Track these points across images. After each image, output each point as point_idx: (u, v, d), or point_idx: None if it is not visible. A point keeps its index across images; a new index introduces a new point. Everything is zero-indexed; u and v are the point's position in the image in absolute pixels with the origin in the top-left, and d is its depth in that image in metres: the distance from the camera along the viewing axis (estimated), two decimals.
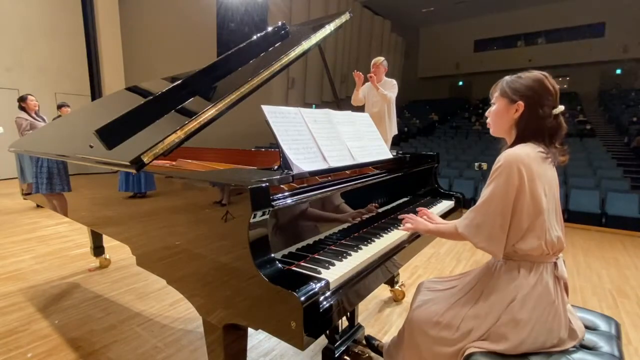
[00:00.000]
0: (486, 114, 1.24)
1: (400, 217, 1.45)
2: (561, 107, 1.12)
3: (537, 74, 1.13)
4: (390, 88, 3.85)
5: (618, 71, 17.46)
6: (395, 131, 4.09)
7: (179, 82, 1.50)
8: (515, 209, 1.05)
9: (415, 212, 1.49)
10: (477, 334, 1.08)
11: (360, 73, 3.82)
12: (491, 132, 1.24)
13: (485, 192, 1.10)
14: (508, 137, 1.20)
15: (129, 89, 2.57)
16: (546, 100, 1.10)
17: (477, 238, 1.11)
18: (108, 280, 2.72)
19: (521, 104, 1.12)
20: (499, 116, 1.18)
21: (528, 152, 1.07)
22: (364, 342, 1.72)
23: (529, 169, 1.04)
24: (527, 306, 1.05)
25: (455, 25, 20.37)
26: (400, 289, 2.40)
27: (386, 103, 3.86)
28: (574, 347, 1.08)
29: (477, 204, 1.12)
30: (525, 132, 1.13)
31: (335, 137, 1.47)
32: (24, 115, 4.84)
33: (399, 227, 1.41)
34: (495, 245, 1.08)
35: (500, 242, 1.07)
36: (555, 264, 1.12)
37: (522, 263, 1.11)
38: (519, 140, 1.14)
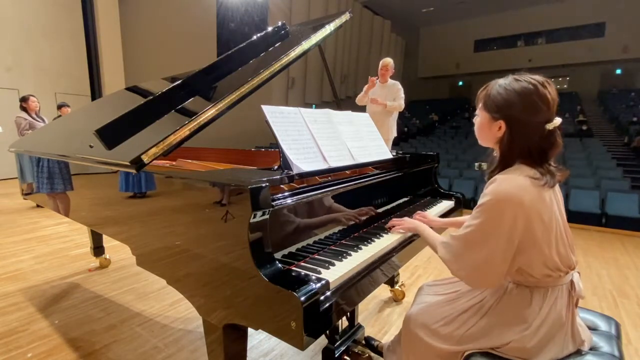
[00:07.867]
0: (473, 120, 1.12)
1: (387, 227, 1.39)
2: (557, 121, 0.94)
3: (525, 84, 0.95)
4: (396, 93, 3.90)
5: (618, 71, 17.46)
6: (395, 133, 4.13)
7: (179, 82, 1.50)
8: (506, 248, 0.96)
9: (412, 215, 1.50)
10: (480, 346, 1.07)
11: (375, 79, 3.90)
12: (479, 142, 1.12)
13: (472, 224, 0.98)
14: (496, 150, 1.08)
15: (129, 89, 2.57)
16: (534, 116, 0.94)
17: (456, 266, 1.03)
18: (108, 280, 2.72)
19: (502, 123, 0.98)
20: (483, 131, 1.07)
21: (520, 184, 0.93)
22: (363, 342, 1.72)
23: (522, 207, 0.91)
24: (539, 334, 0.99)
25: (455, 25, 20.38)
26: (400, 289, 2.40)
27: (398, 111, 3.98)
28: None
29: (461, 233, 1.02)
30: (509, 157, 1.00)
31: (335, 137, 1.47)
32: (23, 115, 4.87)
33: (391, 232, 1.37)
34: (475, 278, 1.00)
35: (481, 275, 0.98)
36: (572, 282, 1.03)
37: (534, 289, 1.02)
38: (503, 163, 1.01)
